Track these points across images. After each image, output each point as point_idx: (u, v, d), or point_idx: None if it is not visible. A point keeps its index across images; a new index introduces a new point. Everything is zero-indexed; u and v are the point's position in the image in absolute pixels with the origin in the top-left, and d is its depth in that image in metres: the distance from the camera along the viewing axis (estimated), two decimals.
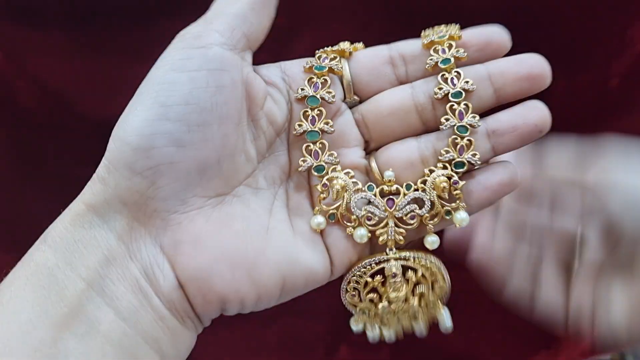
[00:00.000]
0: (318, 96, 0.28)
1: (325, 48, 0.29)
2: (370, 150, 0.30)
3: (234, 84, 0.26)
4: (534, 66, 0.27)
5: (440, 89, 0.28)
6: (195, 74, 0.25)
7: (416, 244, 0.30)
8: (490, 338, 0.48)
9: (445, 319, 0.30)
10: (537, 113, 0.27)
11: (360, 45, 0.30)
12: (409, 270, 0.29)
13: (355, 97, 0.29)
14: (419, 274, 0.29)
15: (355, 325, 0.31)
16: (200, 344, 0.47)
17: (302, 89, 0.28)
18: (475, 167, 0.28)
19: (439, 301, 0.30)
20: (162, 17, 0.36)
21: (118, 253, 0.25)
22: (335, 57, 0.29)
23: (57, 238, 0.25)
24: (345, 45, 0.29)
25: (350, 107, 0.30)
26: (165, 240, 0.26)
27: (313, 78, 0.29)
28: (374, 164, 0.29)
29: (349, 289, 0.29)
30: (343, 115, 0.29)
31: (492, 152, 0.28)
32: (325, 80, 0.28)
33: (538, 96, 0.41)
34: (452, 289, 0.47)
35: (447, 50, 0.28)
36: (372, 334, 0.30)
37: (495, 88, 0.28)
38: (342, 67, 0.29)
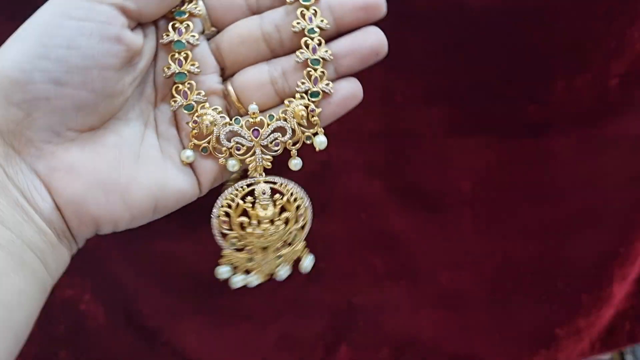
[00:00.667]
0: (183, 40, 0.31)
1: None
2: (226, 76, 0.33)
3: (117, 38, 0.28)
4: None
5: (298, 23, 0.31)
6: (81, 22, 0.27)
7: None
8: (490, 338, 0.48)
9: (308, 260, 0.34)
10: (374, 37, 0.31)
11: None
12: (277, 193, 0.32)
13: (214, 29, 0.32)
14: (285, 199, 0.32)
15: (223, 268, 0.33)
16: (201, 343, 0.48)
17: (167, 35, 0.31)
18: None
19: (302, 238, 0.33)
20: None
21: None
22: (192, 0, 0.31)
23: None
24: None
25: (209, 39, 0.32)
26: (40, 167, 0.28)
27: (176, 23, 0.31)
28: (230, 88, 0.32)
29: (220, 214, 0.32)
30: (200, 46, 0.32)
31: (335, 74, 0.31)
32: (188, 24, 0.31)
33: (538, 93, 0.41)
34: (452, 288, 0.48)
35: None
36: (237, 278, 0.33)
37: (334, 17, 0.31)
38: (200, 10, 0.31)
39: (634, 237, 0.46)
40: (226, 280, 0.46)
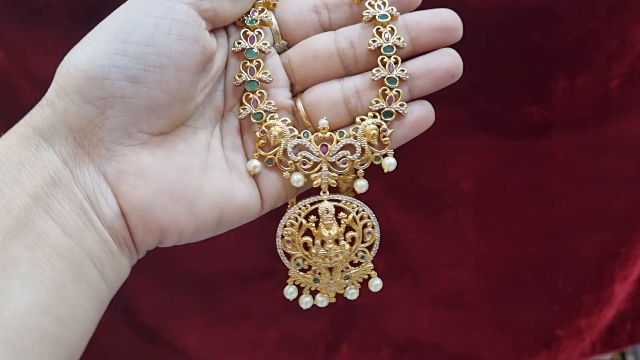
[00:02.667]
0: (255, 49, 0.30)
1: None
2: (296, 92, 0.32)
3: (195, 37, 0.27)
4: (447, 18, 0.30)
5: (374, 41, 0.30)
6: (160, 20, 0.26)
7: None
8: (490, 338, 0.48)
9: (376, 283, 0.33)
10: (450, 59, 0.30)
11: None
12: (341, 211, 0.31)
13: (284, 42, 0.31)
14: (350, 217, 0.31)
15: (289, 287, 0.32)
16: (202, 343, 0.48)
17: (239, 42, 0.30)
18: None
19: (370, 258, 0.32)
20: None
21: (63, 175, 0.26)
22: (263, 9, 0.30)
23: (3, 157, 0.25)
24: None
25: (280, 52, 0.31)
26: (109, 170, 0.27)
27: (247, 31, 0.30)
28: (300, 105, 0.31)
29: (284, 234, 0.31)
30: (271, 58, 0.31)
31: (409, 94, 0.31)
32: (259, 32, 0.30)
33: (537, 95, 0.41)
34: (453, 288, 0.48)
35: (382, 6, 0.30)
36: (306, 299, 0.33)
37: (411, 37, 0.30)
38: (271, 19, 0.30)
39: (635, 238, 0.46)
40: (227, 280, 0.47)
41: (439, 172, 0.44)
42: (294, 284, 0.32)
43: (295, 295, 0.32)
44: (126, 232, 0.27)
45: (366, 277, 0.33)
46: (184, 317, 0.47)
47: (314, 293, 0.33)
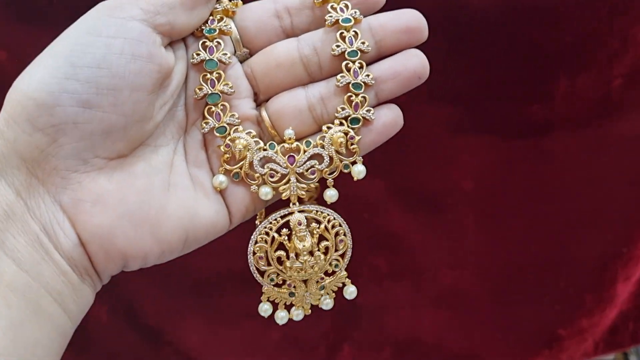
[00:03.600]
0: (215, 59, 0.29)
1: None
2: (260, 102, 0.31)
3: (150, 56, 0.26)
4: (411, 19, 0.29)
5: (338, 46, 0.29)
6: (111, 40, 0.25)
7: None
8: (492, 338, 0.48)
9: (351, 290, 0.32)
10: (416, 60, 0.29)
11: (239, 1, 0.30)
12: (314, 222, 0.30)
13: (245, 50, 0.30)
14: (322, 226, 0.30)
15: (264, 305, 0.32)
16: (204, 343, 0.48)
17: (198, 54, 0.29)
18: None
19: (344, 266, 0.32)
20: None
21: (17, 208, 0.25)
22: (221, 18, 0.29)
23: None
24: (226, 3, 0.30)
25: (242, 61, 0.30)
26: (65, 199, 0.26)
27: (206, 42, 0.29)
28: (264, 114, 0.30)
29: (256, 250, 0.30)
30: (233, 68, 0.30)
31: (376, 99, 0.30)
32: (218, 42, 0.29)
33: (538, 95, 0.41)
34: (454, 288, 0.48)
35: (345, 9, 0.29)
36: (282, 314, 0.32)
37: (375, 40, 0.29)
38: (230, 28, 0.29)
39: (636, 237, 0.45)
40: (228, 281, 0.47)
41: (440, 172, 0.44)
42: (268, 300, 0.32)
43: (270, 312, 0.32)
44: (86, 261, 0.26)
45: (340, 285, 0.32)
46: (185, 318, 0.47)
47: (288, 307, 0.32)
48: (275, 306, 0.32)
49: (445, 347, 0.48)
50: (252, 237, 0.30)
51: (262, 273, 0.31)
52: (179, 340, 0.47)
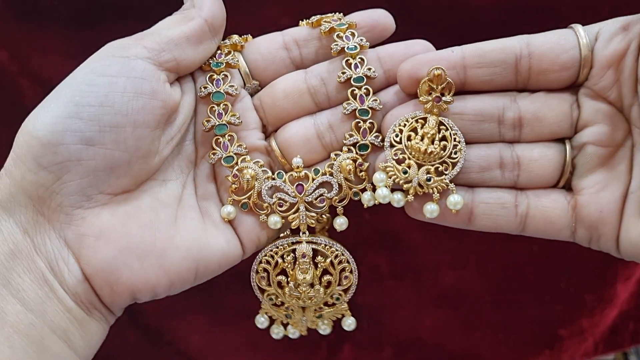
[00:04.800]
0: (222, 91, 0.29)
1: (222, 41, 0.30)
2: (269, 133, 0.30)
3: (153, 93, 0.26)
4: (421, 50, 0.29)
5: (343, 73, 0.29)
6: (114, 79, 0.25)
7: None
8: (493, 338, 0.48)
9: (349, 322, 0.32)
10: None
11: (249, 37, 0.30)
12: (319, 255, 0.30)
13: (255, 82, 0.30)
14: (328, 261, 0.30)
15: (260, 317, 0.32)
16: (204, 343, 0.48)
17: (205, 87, 0.29)
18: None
19: (346, 300, 0.31)
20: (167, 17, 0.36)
21: (24, 246, 0.25)
22: (229, 52, 0.29)
23: None
24: (235, 38, 0.30)
25: (254, 93, 0.30)
26: (69, 234, 0.26)
27: (213, 75, 0.29)
28: (274, 144, 0.30)
29: (259, 270, 0.30)
30: (242, 101, 0.30)
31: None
32: (225, 75, 0.29)
33: None
34: (455, 288, 0.48)
35: (351, 37, 0.29)
36: (277, 330, 0.32)
37: (384, 69, 0.29)
38: (237, 61, 0.29)
39: None
40: (229, 281, 0.47)
41: None
42: (265, 314, 0.32)
43: (266, 324, 0.32)
44: (92, 296, 0.27)
45: (340, 316, 0.32)
46: (186, 317, 0.47)
47: (285, 324, 0.32)
48: (272, 320, 0.32)
49: (446, 347, 0.48)
50: (258, 256, 0.30)
51: (262, 291, 0.31)
52: (179, 340, 0.47)
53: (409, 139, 0.28)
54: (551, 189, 0.29)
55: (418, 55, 0.28)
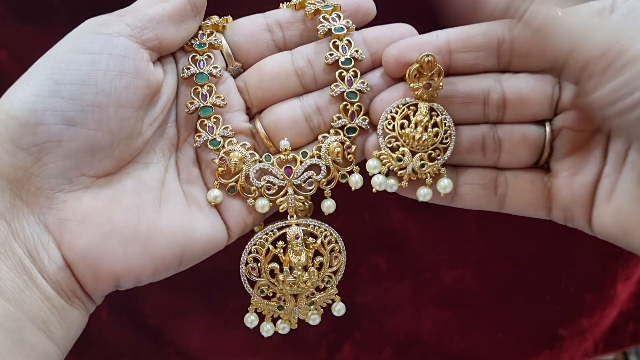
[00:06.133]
0: (206, 72, 0.28)
1: (203, 22, 0.29)
2: (253, 115, 0.30)
3: (137, 72, 0.25)
4: (406, 33, 0.28)
5: (331, 54, 0.28)
6: (96, 56, 0.25)
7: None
8: (493, 338, 0.48)
9: (339, 307, 0.32)
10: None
11: (229, 18, 0.30)
12: (310, 236, 0.30)
13: (237, 64, 0.29)
14: (319, 242, 0.30)
15: (250, 315, 0.31)
16: (204, 342, 0.48)
17: (188, 68, 0.28)
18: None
19: (335, 283, 0.31)
20: None
21: (0, 232, 0.24)
22: (211, 33, 0.29)
23: None
24: (216, 19, 0.29)
25: (236, 75, 0.30)
26: (50, 219, 0.25)
27: (196, 56, 0.28)
28: (259, 126, 0.29)
29: (249, 261, 0.29)
30: (225, 83, 0.29)
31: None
32: (209, 56, 0.28)
33: None
34: (455, 288, 0.47)
35: (337, 19, 0.29)
36: (267, 326, 0.31)
37: (370, 52, 0.29)
38: (220, 42, 0.29)
39: None
40: (230, 280, 0.47)
41: None
42: (255, 311, 0.31)
43: (256, 323, 0.31)
44: (73, 283, 0.25)
45: (330, 302, 0.32)
46: (186, 317, 0.47)
47: (274, 320, 0.31)
48: (261, 317, 0.31)
49: (446, 347, 0.48)
50: (246, 246, 0.29)
51: (252, 284, 0.30)
52: (179, 340, 0.47)
53: (402, 127, 0.28)
54: (530, 169, 0.29)
55: (404, 40, 0.28)
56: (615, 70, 0.22)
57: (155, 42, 0.26)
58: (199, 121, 0.28)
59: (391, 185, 0.29)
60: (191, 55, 0.28)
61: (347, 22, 0.29)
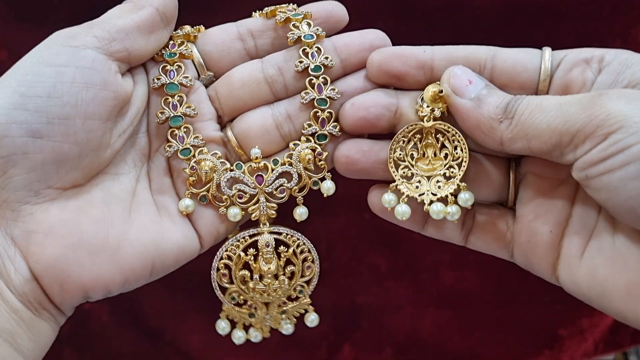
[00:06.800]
0: (176, 82, 0.28)
1: (173, 32, 0.29)
2: (224, 124, 0.30)
3: (104, 84, 0.25)
4: (376, 39, 0.28)
5: (300, 62, 0.28)
6: (62, 69, 0.24)
7: None
8: (493, 338, 0.48)
9: (312, 319, 0.31)
10: None
11: (202, 27, 0.30)
12: (282, 245, 0.29)
13: (210, 73, 0.29)
14: (291, 251, 0.29)
15: (221, 322, 0.31)
16: (204, 343, 0.48)
17: (158, 78, 0.28)
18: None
19: (309, 293, 0.31)
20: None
21: None
22: (182, 42, 0.28)
23: None
24: (188, 28, 0.29)
25: (208, 85, 0.30)
26: (17, 232, 0.25)
27: (167, 66, 0.28)
28: (230, 134, 0.29)
29: (220, 267, 0.29)
30: (196, 92, 0.29)
31: None
32: (179, 66, 0.28)
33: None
34: (455, 288, 0.47)
35: (307, 27, 0.29)
36: (239, 334, 0.31)
37: (341, 59, 0.28)
38: (191, 52, 0.28)
39: None
40: None
41: None
42: (227, 318, 0.31)
43: (227, 330, 0.31)
44: (41, 296, 0.25)
45: (302, 311, 0.31)
46: (186, 318, 0.47)
47: (247, 327, 0.31)
48: (233, 324, 0.31)
49: (446, 347, 0.48)
50: (218, 252, 0.29)
51: (223, 290, 0.30)
52: (180, 340, 0.47)
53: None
54: (497, 209, 0.29)
55: (389, 48, 0.28)
56: (597, 137, 0.22)
57: (124, 53, 0.26)
58: (170, 131, 0.28)
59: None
60: (162, 66, 0.28)
61: (317, 29, 0.29)
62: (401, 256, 0.46)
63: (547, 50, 0.27)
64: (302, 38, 0.28)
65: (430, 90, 0.27)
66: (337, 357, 0.48)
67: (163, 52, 0.28)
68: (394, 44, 0.29)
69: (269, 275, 0.29)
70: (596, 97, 0.23)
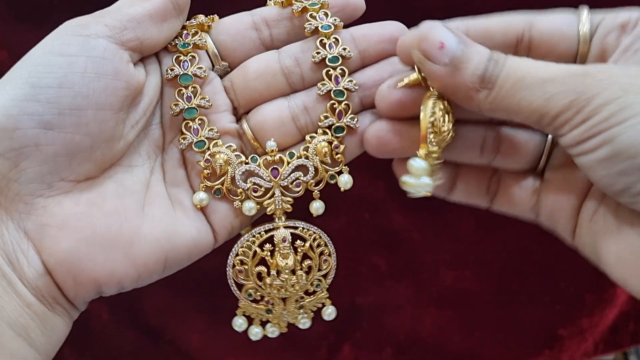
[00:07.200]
0: (190, 73, 0.27)
1: (187, 22, 0.28)
2: (240, 115, 0.29)
3: (116, 73, 0.25)
4: (395, 30, 0.28)
5: (318, 53, 0.28)
6: (73, 58, 0.24)
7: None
8: (493, 338, 0.48)
9: (329, 312, 0.31)
10: (400, 67, 0.28)
11: (215, 16, 0.29)
12: (298, 239, 0.29)
13: (224, 63, 0.29)
14: (307, 245, 0.29)
15: (238, 319, 0.30)
16: (204, 342, 0.48)
17: (172, 69, 0.27)
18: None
19: (326, 287, 0.30)
20: None
21: None
22: (196, 32, 0.28)
23: None
24: (202, 18, 0.28)
25: (223, 75, 0.29)
26: (30, 225, 0.24)
27: (180, 56, 0.28)
28: (246, 126, 0.28)
29: (236, 263, 0.28)
30: (211, 83, 0.28)
31: (361, 105, 0.28)
32: (193, 57, 0.28)
33: None
34: (455, 288, 0.47)
35: (324, 17, 0.28)
36: (256, 330, 0.31)
37: (359, 50, 0.28)
38: (205, 42, 0.28)
39: None
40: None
41: None
42: (244, 314, 0.30)
43: (245, 327, 0.30)
44: (54, 290, 0.25)
45: (320, 305, 0.31)
46: (186, 317, 0.46)
47: (264, 323, 0.31)
48: (250, 321, 0.31)
49: (446, 347, 0.48)
50: (233, 249, 0.29)
51: (240, 287, 0.29)
52: (180, 340, 0.47)
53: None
54: (523, 173, 0.29)
55: (425, 26, 0.27)
56: (583, 115, 0.22)
57: (135, 42, 0.26)
58: (184, 123, 0.28)
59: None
60: (175, 56, 0.28)
61: (335, 19, 0.28)
62: (401, 256, 0.46)
63: (584, 13, 0.26)
64: (319, 28, 0.28)
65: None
66: (337, 357, 0.48)
67: (176, 42, 0.28)
68: None
69: (287, 271, 0.28)
70: (580, 77, 0.22)
